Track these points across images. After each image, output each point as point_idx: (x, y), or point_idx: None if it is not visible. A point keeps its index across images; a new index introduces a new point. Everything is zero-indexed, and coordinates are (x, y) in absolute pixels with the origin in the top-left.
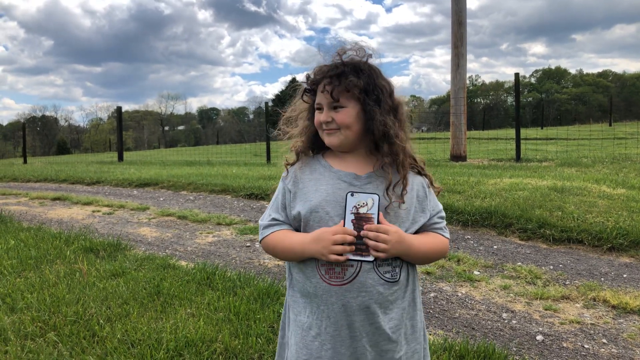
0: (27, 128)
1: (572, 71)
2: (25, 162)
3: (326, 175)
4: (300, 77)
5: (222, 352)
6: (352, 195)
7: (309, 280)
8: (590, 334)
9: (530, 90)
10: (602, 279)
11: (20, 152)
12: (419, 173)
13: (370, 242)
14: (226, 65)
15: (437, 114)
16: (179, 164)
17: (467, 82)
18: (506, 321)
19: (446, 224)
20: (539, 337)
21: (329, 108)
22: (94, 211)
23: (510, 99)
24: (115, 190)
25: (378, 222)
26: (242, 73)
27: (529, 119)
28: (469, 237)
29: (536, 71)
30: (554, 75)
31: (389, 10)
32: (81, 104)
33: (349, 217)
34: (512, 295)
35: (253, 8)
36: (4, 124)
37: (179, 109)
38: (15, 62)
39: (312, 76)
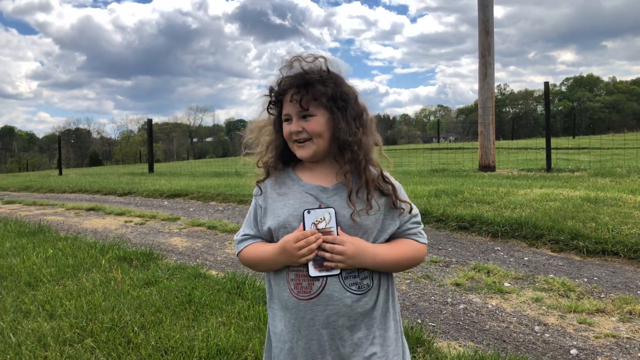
0: (62, 141)
1: (605, 79)
2: (60, 173)
3: (294, 189)
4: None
5: None
6: (308, 212)
7: (281, 294)
8: (626, 348)
9: (561, 98)
10: (639, 292)
11: (56, 164)
12: (384, 180)
13: (327, 255)
14: (252, 78)
15: (464, 123)
16: (207, 175)
17: (495, 91)
18: (539, 334)
19: (422, 229)
20: (573, 351)
21: (299, 118)
22: (126, 221)
23: (540, 108)
24: (146, 201)
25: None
26: (268, 85)
27: (560, 128)
28: (499, 248)
29: (567, 79)
30: (585, 83)
31: (413, 20)
32: (112, 117)
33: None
34: (544, 308)
35: (278, 21)
36: (40, 137)
37: (207, 121)
38: (50, 77)
39: (276, 87)
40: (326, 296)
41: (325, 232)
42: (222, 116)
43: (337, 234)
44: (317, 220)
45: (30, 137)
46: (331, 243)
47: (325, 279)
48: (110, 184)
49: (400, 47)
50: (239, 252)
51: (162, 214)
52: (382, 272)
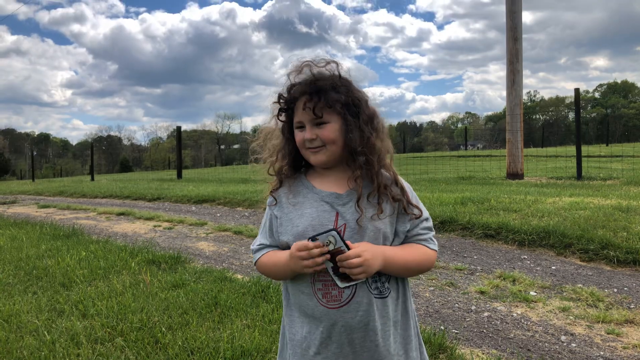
0: (94, 147)
1: None
2: (92, 179)
3: (309, 198)
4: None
5: None
6: (313, 240)
7: (306, 303)
8: None
9: (594, 105)
10: None
11: (88, 170)
12: (396, 184)
13: (348, 271)
14: (279, 86)
15: (493, 131)
16: (234, 181)
17: (525, 98)
18: (565, 344)
19: (434, 236)
20: None
21: (312, 125)
22: (155, 226)
23: (571, 115)
24: (174, 206)
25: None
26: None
27: (593, 135)
28: (525, 256)
29: (600, 85)
30: (619, 90)
31: (440, 27)
32: (142, 124)
33: (327, 262)
34: (571, 317)
35: (305, 29)
36: (74, 143)
37: (235, 128)
38: (83, 85)
39: (286, 94)
40: (356, 302)
41: (336, 251)
42: (249, 123)
43: (349, 249)
44: (325, 244)
45: (64, 144)
46: (345, 260)
47: (355, 286)
48: (140, 190)
49: (427, 54)
50: (256, 261)
51: (189, 219)
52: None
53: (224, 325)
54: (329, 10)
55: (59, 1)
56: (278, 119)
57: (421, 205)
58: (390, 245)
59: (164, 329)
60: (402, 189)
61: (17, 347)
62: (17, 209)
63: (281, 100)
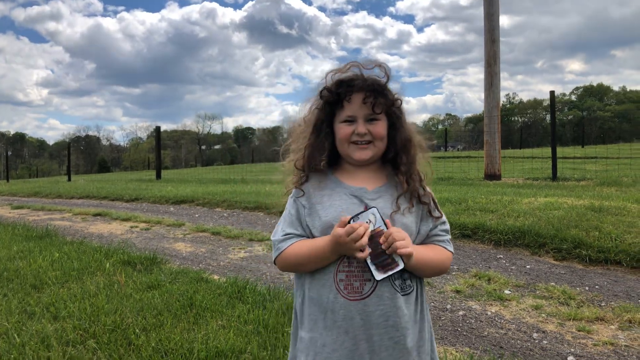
0: (72, 147)
1: (615, 88)
2: (69, 179)
3: (338, 191)
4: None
5: None
6: (354, 220)
7: (326, 296)
8: (623, 356)
9: (571, 107)
10: None
11: (65, 170)
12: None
13: (395, 249)
14: (260, 86)
15: (472, 132)
16: (214, 181)
17: (504, 100)
18: (537, 341)
19: (450, 239)
20: (570, 358)
21: (364, 120)
22: (132, 227)
23: (549, 117)
24: (152, 207)
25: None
26: (275, 93)
27: (570, 137)
28: (501, 256)
29: (577, 88)
30: (595, 93)
31: (420, 30)
32: (122, 124)
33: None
34: (544, 315)
35: (285, 30)
36: (51, 143)
37: (216, 128)
38: (60, 84)
39: (335, 88)
40: (377, 296)
41: (376, 233)
42: (230, 124)
43: (387, 228)
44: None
45: (40, 144)
46: (388, 237)
47: (375, 281)
48: (118, 190)
49: (407, 56)
50: (282, 251)
51: (167, 220)
52: (417, 276)
53: (199, 326)
54: (310, 11)
55: None
56: (322, 112)
57: (441, 210)
58: (413, 243)
59: (137, 330)
60: (430, 193)
61: None
62: None
63: (336, 91)
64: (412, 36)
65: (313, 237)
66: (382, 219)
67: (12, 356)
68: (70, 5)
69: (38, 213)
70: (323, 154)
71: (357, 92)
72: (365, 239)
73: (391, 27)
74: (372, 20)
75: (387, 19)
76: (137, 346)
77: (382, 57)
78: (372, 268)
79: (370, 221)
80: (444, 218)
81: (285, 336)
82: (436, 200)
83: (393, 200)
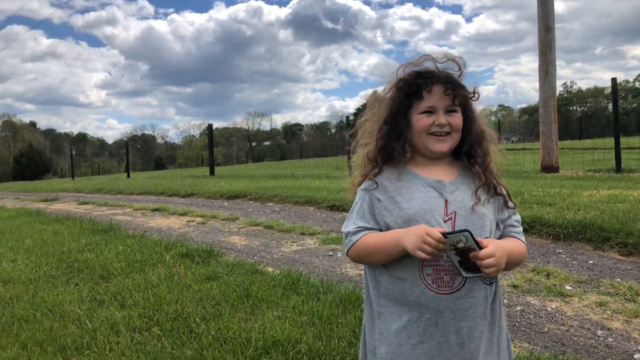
0: (129, 146)
1: None
2: (128, 176)
3: (415, 183)
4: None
5: (307, 353)
6: (445, 237)
7: (409, 290)
8: None
9: (635, 95)
10: None
11: (124, 168)
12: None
13: (484, 272)
14: (307, 82)
15: (527, 123)
16: (265, 177)
17: (561, 89)
18: (601, 339)
19: (525, 234)
20: (637, 356)
21: (444, 112)
22: (188, 221)
23: (611, 106)
24: (207, 202)
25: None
26: (322, 89)
27: (634, 126)
28: (561, 250)
29: None
30: None
31: (469, 19)
32: (175, 123)
33: (451, 254)
34: (608, 312)
35: (331, 25)
36: (110, 142)
37: (265, 125)
38: (116, 86)
39: (413, 80)
40: (467, 289)
41: (467, 249)
42: (278, 120)
43: (480, 247)
44: (454, 242)
45: (101, 143)
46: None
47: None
48: (174, 186)
49: (457, 46)
50: (354, 243)
51: (222, 214)
52: None
53: (255, 316)
54: (355, 5)
55: (92, 5)
56: (402, 102)
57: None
58: (491, 237)
59: (197, 319)
60: (500, 182)
61: (61, 334)
62: (58, 206)
63: (415, 82)
64: (460, 26)
65: (388, 229)
66: (475, 241)
67: (85, 341)
68: (125, 10)
69: (101, 208)
70: (404, 145)
71: (437, 84)
72: (436, 252)
73: (438, 18)
74: (418, 11)
75: (434, 9)
76: (198, 334)
77: (430, 48)
78: (461, 269)
79: (460, 240)
80: (516, 210)
81: (340, 327)
82: (509, 191)
83: (472, 192)
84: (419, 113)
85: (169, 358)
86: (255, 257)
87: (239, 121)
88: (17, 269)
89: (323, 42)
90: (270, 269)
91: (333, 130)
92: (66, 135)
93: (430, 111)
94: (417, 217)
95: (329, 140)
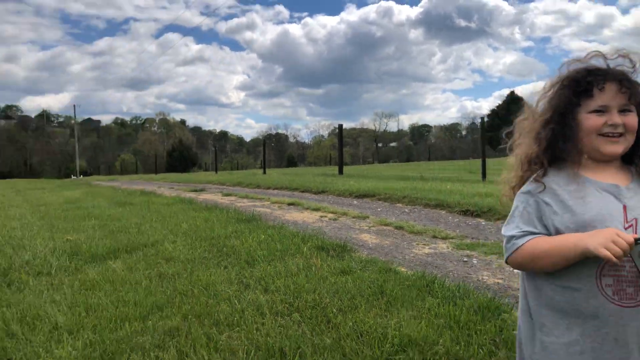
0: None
1: None
2: (264, 172)
3: (588, 187)
4: (522, 90)
5: (444, 355)
6: (636, 243)
7: (584, 301)
8: None
9: None
10: None
11: (259, 164)
12: None
13: None
14: (437, 82)
15: None
16: (393, 178)
17: None
18: None
19: None
20: None
21: (617, 111)
22: (321, 216)
23: None
24: (337, 200)
25: None
26: (453, 89)
27: None
28: None
29: None
30: None
31: (625, 11)
32: (306, 123)
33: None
34: None
35: (464, 23)
36: (247, 140)
37: (392, 126)
38: (254, 87)
39: (584, 76)
40: None
41: None
42: (406, 121)
43: None
44: None
45: (239, 141)
46: None
47: None
48: (306, 183)
49: (610, 41)
50: (520, 246)
51: (352, 212)
52: None
53: (390, 313)
54: (491, 1)
55: (234, 12)
56: (562, 101)
57: None
58: None
59: (334, 310)
60: None
61: (215, 310)
62: (206, 196)
63: (585, 80)
64: (614, 19)
65: (558, 234)
66: None
67: (235, 318)
68: (262, 15)
69: (243, 200)
70: (575, 146)
71: (611, 81)
72: (619, 251)
73: (588, 11)
74: (564, 4)
75: (582, 2)
76: (336, 324)
77: (577, 45)
78: None
79: None
80: None
81: (479, 334)
82: None
83: None
84: (589, 112)
85: (309, 344)
86: (386, 256)
87: (366, 122)
88: (177, 249)
89: (455, 41)
90: (402, 269)
91: (464, 132)
92: (210, 132)
93: (601, 110)
94: (594, 223)
95: (459, 142)
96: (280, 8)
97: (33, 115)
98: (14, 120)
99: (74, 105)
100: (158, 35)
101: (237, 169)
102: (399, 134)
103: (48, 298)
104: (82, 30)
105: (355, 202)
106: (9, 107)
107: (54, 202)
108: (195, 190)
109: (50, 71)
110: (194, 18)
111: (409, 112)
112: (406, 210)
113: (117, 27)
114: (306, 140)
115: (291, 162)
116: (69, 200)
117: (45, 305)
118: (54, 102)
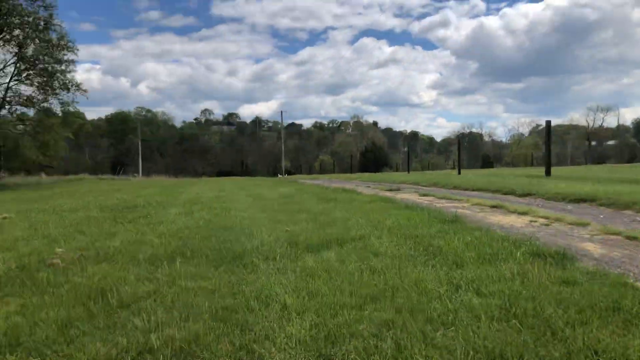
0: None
1: None
2: (459, 173)
3: None
4: None
5: None
6: None
7: None
8: None
9: None
10: None
11: (451, 165)
12: None
13: None
14: None
15: None
16: (612, 181)
17: None
18: None
19: None
20: None
21: None
22: (530, 221)
23: None
24: (546, 203)
25: None
26: None
27: None
28: None
29: None
30: None
31: None
32: (503, 120)
33: None
34: None
35: None
36: (438, 140)
37: (609, 121)
38: (446, 85)
39: None
40: None
41: None
42: (627, 115)
43: None
44: None
45: (430, 140)
46: None
47: None
48: (509, 185)
49: None
50: None
51: (567, 217)
52: None
53: (630, 332)
54: None
55: (428, 10)
56: None
57: None
58: None
59: (560, 322)
60: None
61: (428, 307)
62: (403, 195)
63: None
64: None
65: None
66: None
67: (449, 318)
68: (457, 11)
69: (441, 201)
70: None
71: None
72: None
73: None
74: None
75: None
76: (563, 338)
77: None
78: None
79: None
80: None
81: None
82: None
83: None
84: None
85: (533, 354)
86: (618, 269)
87: (576, 117)
88: (383, 245)
89: None
90: None
91: None
92: (400, 133)
93: None
94: None
95: None
96: (475, 1)
97: (248, 122)
98: (233, 126)
99: (281, 112)
100: (353, 41)
101: (428, 169)
102: (619, 130)
103: (276, 280)
104: (288, 43)
105: (569, 206)
106: (230, 115)
107: (271, 197)
108: (392, 190)
109: (261, 81)
110: (387, 21)
111: (633, 104)
112: (638, 218)
113: (317, 37)
114: (503, 139)
115: (486, 163)
116: (283, 196)
117: (274, 286)
118: (265, 109)
